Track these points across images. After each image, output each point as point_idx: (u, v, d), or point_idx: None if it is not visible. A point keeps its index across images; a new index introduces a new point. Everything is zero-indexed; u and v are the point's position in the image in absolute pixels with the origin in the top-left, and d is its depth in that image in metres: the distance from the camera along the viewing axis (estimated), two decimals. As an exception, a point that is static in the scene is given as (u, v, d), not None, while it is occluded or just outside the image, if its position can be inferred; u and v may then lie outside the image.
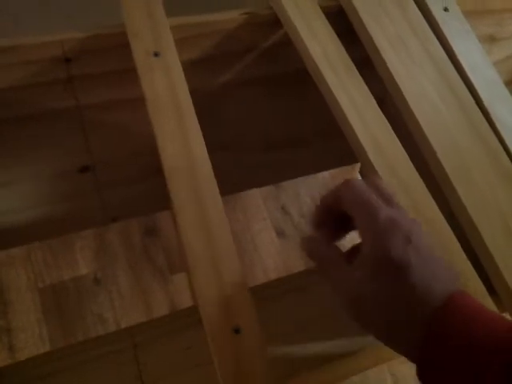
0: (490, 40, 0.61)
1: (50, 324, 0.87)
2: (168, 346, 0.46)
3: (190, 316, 0.47)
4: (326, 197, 0.35)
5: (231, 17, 0.47)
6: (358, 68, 0.46)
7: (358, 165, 0.80)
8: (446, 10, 0.50)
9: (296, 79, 0.53)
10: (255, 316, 0.35)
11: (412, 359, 0.29)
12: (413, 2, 0.50)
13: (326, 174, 1.06)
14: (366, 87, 0.45)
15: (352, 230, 0.35)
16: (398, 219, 0.31)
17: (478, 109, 0.47)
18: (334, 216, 0.35)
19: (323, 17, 0.48)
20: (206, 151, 0.39)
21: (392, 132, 0.44)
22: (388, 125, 0.44)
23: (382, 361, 0.47)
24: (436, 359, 0.28)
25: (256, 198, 1.03)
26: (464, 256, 0.41)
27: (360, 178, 0.56)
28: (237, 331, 0.34)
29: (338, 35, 0.47)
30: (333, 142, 0.46)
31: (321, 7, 0.48)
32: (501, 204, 0.43)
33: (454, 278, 0.31)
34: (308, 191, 1.06)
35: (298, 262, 0.99)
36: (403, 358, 0.31)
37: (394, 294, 0.30)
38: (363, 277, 0.31)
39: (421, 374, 0.29)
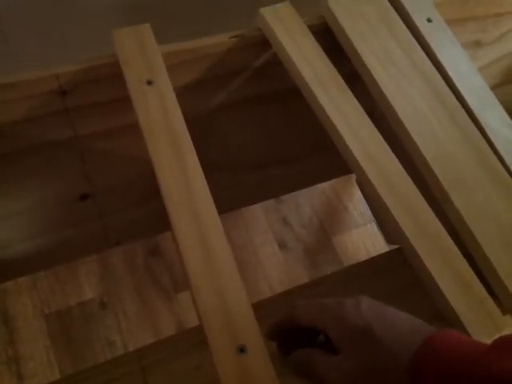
0: (474, 46, 0.62)
1: (58, 350, 0.87)
2: (176, 366, 0.46)
3: (197, 335, 0.47)
4: (280, 323, 0.40)
5: (221, 40, 0.48)
6: (347, 83, 0.47)
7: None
8: (429, 20, 0.51)
9: (287, 97, 0.54)
10: (259, 334, 0.35)
11: None
12: (397, 16, 0.51)
13: (325, 184, 1.07)
14: (356, 102, 0.46)
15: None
16: (342, 299, 0.36)
17: (467, 117, 0.47)
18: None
19: (310, 35, 0.49)
20: (202, 173, 0.40)
21: (384, 143, 0.45)
22: (380, 136, 0.45)
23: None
24: None
25: (257, 211, 1.03)
26: (464, 261, 0.41)
27: (357, 187, 0.57)
28: (242, 350, 0.34)
29: (326, 52, 0.48)
30: (325, 157, 0.47)
31: (308, 26, 0.49)
32: (496, 210, 0.44)
33: (420, 325, 0.34)
34: (308, 201, 1.07)
35: (301, 273, 1.00)
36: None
37: (369, 357, 0.33)
38: (343, 360, 0.34)
39: None
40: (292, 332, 0.39)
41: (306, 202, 1.07)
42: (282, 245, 1.02)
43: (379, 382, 0.32)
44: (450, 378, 0.29)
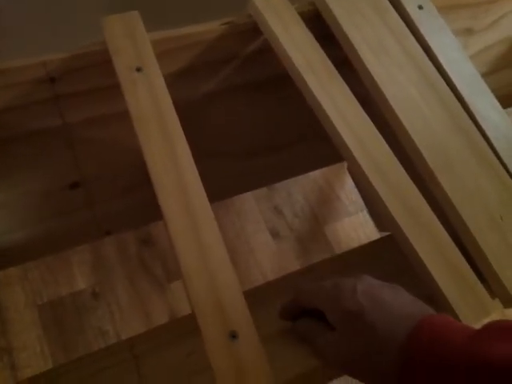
0: (466, 33, 0.62)
1: (51, 340, 0.87)
2: (169, 353, 0.47)
3: (189, 323, 0.47)
4: (287, 307, 0.42)
5: (211, 27, 0.48)
6: (338, 69, 0.47)
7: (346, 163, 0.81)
8: (420, 7, 0.51)
9: (278, 84, 0.53)
10: (251, 321, 0.35)
11: None
12: (388, 3, 0.51)
13: (316, 173, 1.07)
14: (348, 89, 0.46)
15: None
16: (341, 280, 0.37)
17: (458, 103, 0.48)
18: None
19: (301, 22, 0.48)
20: (193, 161, 0.40)
21: (376, 130, 0.45)
22: (371, 124, 0.45)
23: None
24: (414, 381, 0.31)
25: (249, 200, 1.03)
26: (455, 247, 0.42)
27: (349, 175, 0.57)
28: (233, 337, 0.34)
29: (317, 38, 0.48)
30: (317, 144, 0.47)
31: (298, 13, 0.49)
32: (484, 194, 0.44)
33: (419, 309, 0.34)
34: (300, 190, 1.07)
35: (293, 262, 1.00)
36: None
37: (361, 340, 0.33)
38: (338, 336, 0.35)
39: None
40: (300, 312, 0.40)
41: (297, 190, 1.07)
42: (274, 233, 1.02)
43: (372, 366, 0.33)
44: (440, 368, 0.30)
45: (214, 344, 0.34)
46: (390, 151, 0.44)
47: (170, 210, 0.38)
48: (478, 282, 0.41)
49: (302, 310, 0.40)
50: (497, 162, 0.46)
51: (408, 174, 0.44)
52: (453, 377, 0.29)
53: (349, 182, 1.06)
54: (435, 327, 0.31)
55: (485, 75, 0.66)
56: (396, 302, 0.35)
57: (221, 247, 0.37)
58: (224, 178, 0.56)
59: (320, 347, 0.37)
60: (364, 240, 1.03)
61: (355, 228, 1.05)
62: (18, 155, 0.49)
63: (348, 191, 1.08)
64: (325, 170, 1.06)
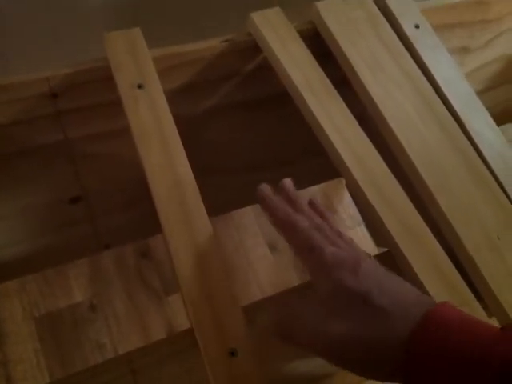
0: (462, 51, 0.63)
1: (48, 353, 0.86)
2: (167, 369, 0.47)
3: (187, 338, 0.47)
4: None
5: (211, 45, 0.48)
6: (336, 87, 0.47)
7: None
8: (417, 27, 0.52)
9: (277, 101, 0.54)
10: (250, 338, 0.36)
11: (398, 381, 0.29)
12: (386, 22, 0.52)
13: (315, 187, 1.07)
14: (345, 107, 0.47)
15: None
16: (342, 255, 0.33)
17: (454, 122, 0.48)
18: None
19: (300, 41, 0.49)
20: (193, 176, 0.40)
21: (373, 147, 0.45)
22: (368, 141, 0.46)
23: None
24: (422, 376, 0.28)
25: (248, 214, 1.03)
26: (451, 265, 0.42)
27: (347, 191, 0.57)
28: (233, 354, 0.34)
29: (316, 57, 0.49)
30: (315, 160, 0.48)
31: (297, 31, 0.50)
32: (481, 213, 0.44)
33: (424, 297, 0.32)
34: (298, 204, 1.07)
35: (292, 275, 1.00)
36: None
37: (368, 321, 0.30)
38: (328, 313, 0.31)
39: None
40: None
41: (296, 204, 1.07)
42: (272, 247, 1.02)
43: (374, 351, 0.29)
44: (449, 359, 0.27)
45: (214, 361, 0.34)
46: (387, 168, 0.45)
47: (169, 226, 0.39)
48: (475, 301, 0.41)
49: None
50: (493, 180, 0.46)
51: (405, 191, 0.44)
52: (482, 375, 0.26)
53: (347, 197, 1.06)
54: (447, 318, 0.28)
55: (481, 92, 0.67)
56: (403, 287, 0.32)
57: (220, 264, 0.38)
58: (223, 193, 0.56)
59: (308, 339, 0.32)
60: (362, 254, 1.03)
61: (353, 242, 1.05)
62: (20, 169, 0.49)
63: (346, 205, 1.07)
64: (323, 184, 1.06)
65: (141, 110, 0.42)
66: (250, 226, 1.08)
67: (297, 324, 0.33)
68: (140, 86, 0.43)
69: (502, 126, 0.53)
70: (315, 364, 0.46)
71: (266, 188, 0.39)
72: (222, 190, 0.58)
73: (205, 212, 0.39)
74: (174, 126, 0.41)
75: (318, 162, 0.48)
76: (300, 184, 0.74)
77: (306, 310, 0.33)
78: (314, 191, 1.16)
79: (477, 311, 0.41)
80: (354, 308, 0.30)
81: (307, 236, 0.35)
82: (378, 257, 0.53)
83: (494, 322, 0.42)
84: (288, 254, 1.10)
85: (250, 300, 0.48)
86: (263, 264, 1.08)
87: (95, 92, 0.46)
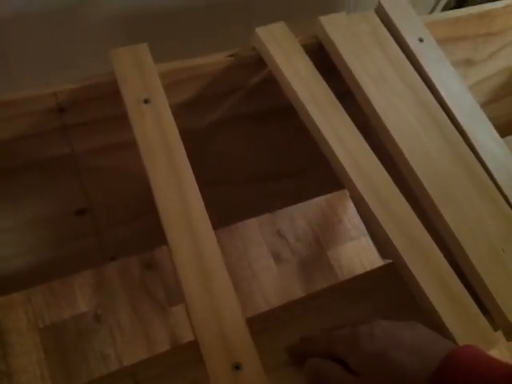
0: (466, 64, 0.64)
1: (52, 364, 0.86)
2: (171, 383, 0.46)
3: (191, 351, 0.47)
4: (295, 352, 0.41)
5: (217, 59, 0.49)
6: (341, 100, 0.48)
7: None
8: (420, 40, 0.52)
9: (281, 114, 0.55)
10: (255, 351, 0.35)
11: None
12: (389, 35, 0.52)
13: (320, 197, 1.08)
14: (349, 120, 0.47)
15: None
16: (357, 327, 0.37)
17: (458, 134, 0.48)
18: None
19: (305, 54, 0.50)
20: (198, 190, 0.40)
21: (376, 159, 0.46)
22: (372, 153, 0.46)
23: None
24: None
25: (252, 224, 1.04)
26: (455, 277, 0.42)
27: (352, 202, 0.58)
28: (237, 368, 0.34)
29: (320, 71, 0.49)
30: (319, 172, 0.48)
31: (302, 45, 0.50)
32: (485, 225, 0.44)
33: (443, 343, 0.34)
34: (302, 214, 1.08)
35: (296, 286, 1.00)
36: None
37: (389, 380, 0.33)
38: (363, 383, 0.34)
39: None
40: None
41: (300, 214, 1.07)
42: (276, 258, 1.02)
43: None
44: None
45: (218, 375, 0.34)
46: (391, 180, 0.45)
47: (174, 239, 0.39)
48: (480, 314, 0.41)
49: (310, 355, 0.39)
50: (497, 192, 0.46)
51: (409, 203, 0.44)
52: None
53: (351, 207, 1.07)
54: (465, 361, 0.31)
55: (484, 104, 0.67)
56: (417, 338, 0.35)
57: (225, 276, 0.38)
58: (228, 205, 0.56)
59: None
60: (367, 264, 1.03)
61: (358, 252, 1.05)
62: (27, 182, 0.50)
63: (350, 215, 1.08)
64: (328, 195, 1.07)
65: (147, 125, 0.42)
66: (255, 237, 1.08)
67: None
68: (146, 101, 0.43)
69: (506, 138, 0.53)
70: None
71: None
72: (227, 202, 0.58)
73: (210, 225, 0.39)
74: (180, 140, 0.42)
75: (323, 173, 0.48)
76: (305, 195, 0.75)
77: None
78: (318, 201, 1.16)
79: (482, 325, 0.41)
80: (374, 367, 0.34)
81: (327, 337, 0.39)
82: (384, 268, 0.53)
83: (500, 336, 0.41)
84: (292, 264, 1.10)
85: (254, 311, 0.48)
86: (268, 275, 1.08)
87: (101, 106, 0.47)
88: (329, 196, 1.08)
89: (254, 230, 1.03)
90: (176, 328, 0.92)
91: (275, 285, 1.00)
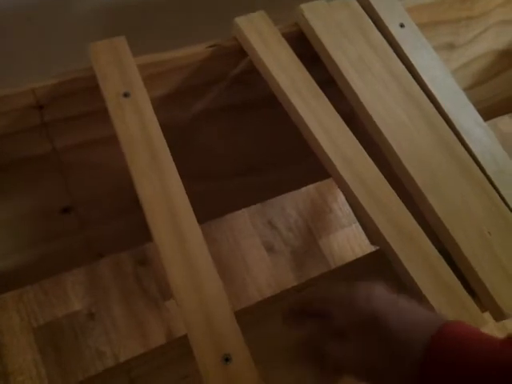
0: (448, 48, 0.63)
1: (48, 363, 0.86)
2: (164, 377, 0.46)
3: (184, 345, 0.47)
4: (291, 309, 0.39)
5: (197, 50, 0.48)
6: (322, 88, 0.47)
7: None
8: (402, 26, 0.52)
9: (265, 104, 0.54)
10: (244, 343, 0.35)
11: None
12: (371, 22, 0.52)
13: (309, 186, 1.08)
14: (332, 108, 0.47)
15: None
16: (355, 286, 0.35)
17: (441, 119, 0.48)
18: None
19: (285, 43, 0.49)
20: (181, 183, 0.40)
21: (361, 147, 0.45)
22: (356, 141, 0.46)
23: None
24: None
25: (243, 215, 1.04)
26: (443, 261, 0.42)
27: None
28: (227, 360, 0.34)
29: (301, 59, 0.49)
30: (304, 162, 0.48)
31: (282, 34, 0.50)
32: (471, 208, 0.44)
33: (436, 315, 0.34)
34: (293, 204, 1.08)
35: (289, 276, 1.00)
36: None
37: (382, 345, 0.32)
38: (357, 346, 0.33)
39: None
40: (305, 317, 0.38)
41: (291, 204, 1.07)
42: (268, 248, 1.02)
43: (394, 371, 0.32)
44: (462, 373, 0.29)
45: (208, 367, 0.34)
46: (376, 168, 0.45)
47: (159, 234, 0.38)
48: (468, 296, 0.41)
49: (308, 314, 0.38)
50: (482, 176, 0.46)
51: (395, 190, 0.44)
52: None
53: (341, 195, 1.07)
54: (459, 332, 0.31)
55: (468, 88, 0.67)
56: (413, 308, 0.34)
57: (211, 270, 0.38)
58: (213, 198, 0.56)
59: (338, 359, 0.34)
60: (358, 251, 1.04)
61: (349, 240, 1.05)
62: (10, 181, 0.49)
63: (341, 203, 1.08)
64: (318, 183, 1.07)
65: (127, 119, 0.42)
66: (246, 228, 1.08)
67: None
68: (126, 95, 0.43)
69: (490, 121, 0.53)
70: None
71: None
72: (215, 194, 0.58)
73: (194, 219, 0.39)
74: (161, 134, 0.41)
75: (311, 162, 0.48)
76: (294, 184, 0.74)
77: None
78: (308, 189, 1.16)
79: (470, 307, 0.41)
80: (369, 330, 0.33)
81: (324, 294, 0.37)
82: (374, 254, 0.53)
83: (488, 318, 0.42)
84: (285, 254, 1.10)
85: (249, 302, 0.48)
86: (260, 266, 1.08)
87: (81, 102, 0.46)
88: (318, 184, 1.08)
89: (245, 221, 1.03)
90: (171, 322, 0.92)
91: (268, 275, 1.00)
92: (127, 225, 0.56)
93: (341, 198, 1.08)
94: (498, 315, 0.42)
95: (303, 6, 0.51)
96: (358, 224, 1.06)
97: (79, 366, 0.86)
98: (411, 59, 0.50)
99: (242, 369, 0.35)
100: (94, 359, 0.87)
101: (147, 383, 0.46)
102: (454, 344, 0.30)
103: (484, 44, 0.66)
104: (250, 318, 0.47)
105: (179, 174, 0.40)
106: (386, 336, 0.32)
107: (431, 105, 0.49)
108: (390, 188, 0.44)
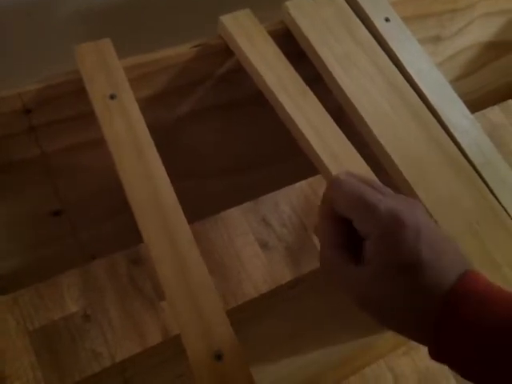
0: (434, 41, 0.64)
1: (45, 367, 0.86)
2: (159, 377, 0.47)
3: (179, 343, 0.47)
4: (322, 204, 0.33)
5: (183, 50, 0.48)
6: (310, 85, 0.48)
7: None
8: (387, 20, 0.52)
9: (252, 102, 0.54)
10: (236, 340, 0.36)
11: (427, 341, 0.29)
12: (356, 17, 0.52)
13: (302, 182, 1.08)
14: (320, 105, 0.47)
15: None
16: (401, 212, 0.29)
17: (429, 113, 0.49)
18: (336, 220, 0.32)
19: (271, 41, 0.49)
20: (170, 183, 0.40)
21: (349, 143, 0.46)
22: (344, 137, 0.46)
23: (378, 357, 0.47)
24: (452, 336, 0.27)
25: (236, 213, 1.04)
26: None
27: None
28: (219, 357, 0.35)
29: (288, 56, 0.49)
30: (298, 158, 0.48)
31: (268, 32, 0.50)
32: (460, 201, 0.45)
33: (463, 260, 0.31)
34: (286, 200, 1.08)
35: (284, 272, 1.00)
36: (400, 351, 0.31)
37: (406, 289, 0.29)
38: (372, 277, 0.29)
39: (436, 353, 0.28)
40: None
41: (284, 200, 1.08)
42: (263, 245, 1.02)
43: (419, 303, 0.29)
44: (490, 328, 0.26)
45: (199, 365, 0.34)
46: (366, 164, 0.45)
47: (149, 235, 0.39)
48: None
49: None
50: (470, 168, 0.47)
51: (384, 184, 0.44)
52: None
53: (333, 190, 1.07)
54: (483, 278, 0.29)
55: (455, 80, 0.68)
56: (448, 243, 0.30)
57: (201, 268, 0.38)
58: (202, 198, 0.56)
59: (341, 283, 0.31)
60: (352, 246, 1.04)
61: (343, 235, 1.06)
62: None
63: (333, 198, 1.09)
64: (310, 179, 1.07)
65: (114, 121, 0.42)
66: (240, 226, 1.08)
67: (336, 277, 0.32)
68: (112, 97, 0.43)
69: (478, 113, 0.53)
70: (305, 364, 0.46)
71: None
72: (204, 194, 0.58)
73: (184, 219, 0.39)
74: (149, 135, 0.41)
75: (301, 159, 0.48)
76: (285, 182, 0.75)
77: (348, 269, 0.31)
78: (301, 185, 1.16)
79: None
80: (403, 277, 0.29)
81: (353, 186, 0.31)
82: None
83: None
84: (279, 250, 1.10)
85: (244, 298, 0.48)
86: (255, 262, 1.08)
87: (69, 105, 0.46)
88: (311, 180, 1.08)
89: (238, 219, 1.04)
90: (167, 321, 0.93)
91: (263, 272, 1.00)
92: (119, 226, 0.56)
93: (333, 193, 1.08)
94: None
95: (289, 4, 0.51)
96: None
97: (76, 368, 0.86)
98: (397, 53, 0.50)
99: (233, 366, 0.35)
100: (90, 361, 0.87)
101: (142, 383, 0.47)
102: (475, 296, 0.28)
103: (469, 36, 0.66)
104: (245, 315, 0.47)
105: (167, 174, 0.40)
106: (413, 283, 0.28)
107: (418, 98, 0.49)
108: (380, 183, 0.44)
